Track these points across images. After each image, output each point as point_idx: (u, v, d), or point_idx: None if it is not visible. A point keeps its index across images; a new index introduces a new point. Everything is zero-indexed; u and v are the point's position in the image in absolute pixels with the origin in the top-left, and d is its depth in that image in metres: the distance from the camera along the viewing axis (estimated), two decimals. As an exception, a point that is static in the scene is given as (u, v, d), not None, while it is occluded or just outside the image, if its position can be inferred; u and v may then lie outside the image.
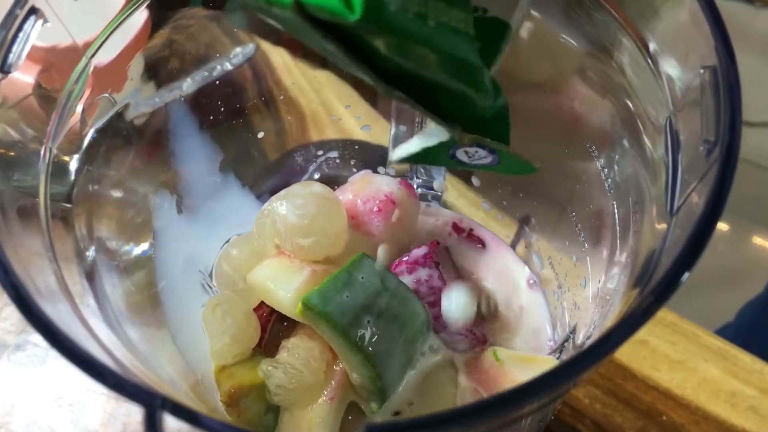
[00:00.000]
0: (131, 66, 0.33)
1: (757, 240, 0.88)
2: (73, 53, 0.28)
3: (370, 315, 0.30)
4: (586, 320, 0.31)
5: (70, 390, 0.40)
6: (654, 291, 0.18)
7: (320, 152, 0.43)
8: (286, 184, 0.35)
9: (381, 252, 0.35)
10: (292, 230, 0.33)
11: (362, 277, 0.31)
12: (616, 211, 0.29)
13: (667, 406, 0.38)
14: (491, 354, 0.33)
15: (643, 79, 0.25)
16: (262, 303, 0.35)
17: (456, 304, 0.34)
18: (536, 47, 0.31)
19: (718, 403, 0.38)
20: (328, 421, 0.32)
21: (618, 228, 0.28)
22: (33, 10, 0.24)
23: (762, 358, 0.40)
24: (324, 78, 0.43)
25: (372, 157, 0.42)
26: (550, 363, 0.33)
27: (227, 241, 0.38)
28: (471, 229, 0.40)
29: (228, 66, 0.40)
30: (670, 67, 0.23)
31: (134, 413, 0.39)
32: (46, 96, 0.27)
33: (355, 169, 0.43)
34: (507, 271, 0.39)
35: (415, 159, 0.25)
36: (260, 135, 0.41)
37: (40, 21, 0.24)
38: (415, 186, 0.41)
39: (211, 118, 0.38)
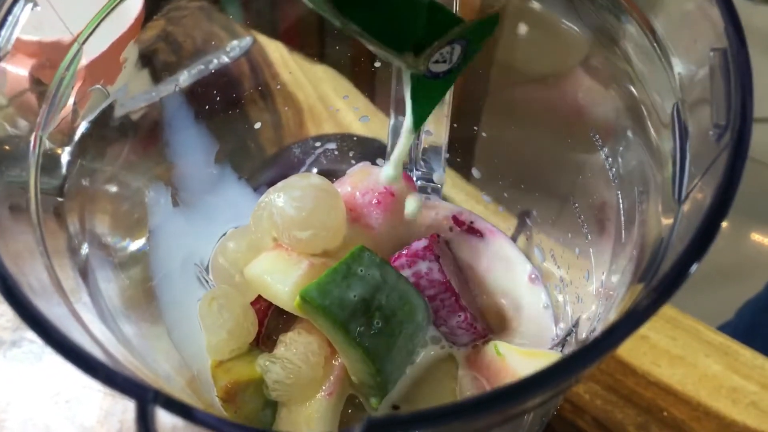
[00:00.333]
0: (126, 58, 0.33)
1: (756, 236, 0.88)
2: (62, 46, 0.28)
3: (369, 309, 0.30)
4: (589, 314, 0.31)
5: (67, 387, 0.39)
6: (662, 282, 0.17)
7: (318, 144, 0.42)
8: (283, 177, 0.35)
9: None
10: (290, 223, 0.32)
11: (361, 271, 0.31)
12: (620, 202, 0.28)
13: (668, 402, 0.38)
14: (492, 348, 0.33)
15: (649, 65, 0.24)
16: (260, 296, 0.34)
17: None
18: (538, 35, 0.30)
19: (719, 399, 0.38)
20: (327, 417, 0.31)
21: (622, 219, 0.28)
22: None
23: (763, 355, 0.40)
24: (321, 71, 0.43)
25: (370, 149, 0.42)
26: (552, 357, 0.32)
27: (224, 235, 0.38)
28: (471, 222, 0.40)
29: (225, 59, 0.39)
30: (677, 52, 0.23)
31: (131, 410, 0.38)
32: (40, 88, 0.27)
33: (353, 162, 0.42)
34: (508, 264, 0.38)
35: (420, 111, 0.25)
36: (257, 126, 0.40)
37: (30, 4, 0.23)
38: (414, 178, 0.41)
39: (207, 108, 0.37)
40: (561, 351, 0.33)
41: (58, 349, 0.16)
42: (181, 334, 0.33)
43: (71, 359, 0.16)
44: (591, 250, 0.32)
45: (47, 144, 0.27)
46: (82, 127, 0.30)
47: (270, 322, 0.35)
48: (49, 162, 0.27)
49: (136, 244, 0.34)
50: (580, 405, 0.38)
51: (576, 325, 0.32)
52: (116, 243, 0.32)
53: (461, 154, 0.41)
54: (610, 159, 0.29)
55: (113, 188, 0.33)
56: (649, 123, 0.25)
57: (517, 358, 0.32)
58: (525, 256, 0.38)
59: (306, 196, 0.33)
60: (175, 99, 0.36)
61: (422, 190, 0.41)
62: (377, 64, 0.40)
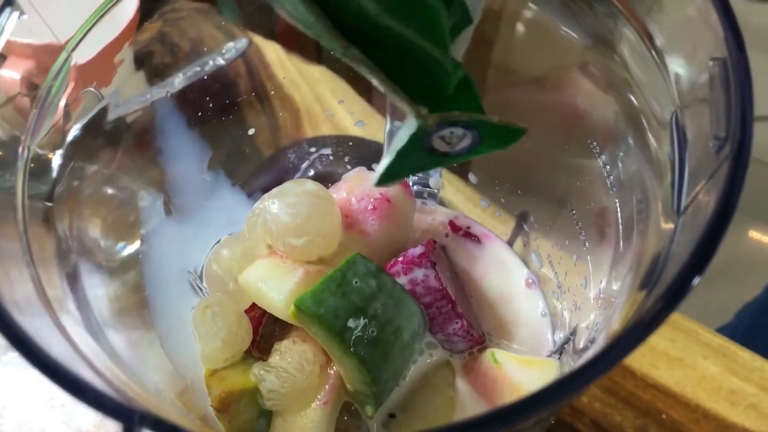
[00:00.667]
0: (120, 60, 0.32)
1: (754, 234, 0.88)
2: (54, 49, 0.27)
3: (364, 317, 0.29)
4: (587, 322, 0.30)
5: (62, 391, 0.39)
6: (664, 295, 0.17)
7: (313, 149, 0.42)
8: (278, 182, 0.34)
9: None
10: (285, 230, 0.32)
11: (356, 279, 0.30)
12: (618, 209, 0.28)
13: (667, 404, 0.38)
14: (489, 356, 0.33)
15: (648, 72, 0.24)
16: (254, 304, 0.34)
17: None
18: (535, 40, 0.30)
19: (718, 401, 0.38)
20: (322, 426, 0.31)
21: (621, 227, 0.28)
22: (8, 2, 0.23)
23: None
24: (318, 73, 0.42)
25: (366, 154, 0.42)
26: (549, 365, 0.32)
27: (218, 242, 0.37)
28: (468, 227, 0.39)
29: (220, 61, 0.39)
30: (676, 60, 0.22)
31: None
32: (33, 92, 0.27)
33: (349, 167, 0.42)
34: (505, 269, 0.38)
35: (394, 171, 0.23)
36: (251, 132, 0.40)
37: (16, 13, 0.23)
38: (410, 183, 0.40)
39: (200, 114, 0.37)
40: (558, 359, 0.33)
41: (43, 370, 0.16)
42: (174, 342, 0.33)
43: (56, 381, 0.16)
44: (589, 257, 0.32)
45: (36, 149, 0.26)
46: (75, 130, 0.29)
47: (264, 330, 0.35)
48: (39, 168, 0.26)
49: (128, 249, 0.34)
50: (579, 407, 0.38)
51: (574, 333, 0.32)
52: (108, 247, 0.32)
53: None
54: (608, 166, 0.29)
55: (105, 192, 0.33)
56: (648, 131, 0.25)
57: (515, 366, 0.32)
58: (522, 261, 0.38)
59: (301, 203, 0.32)
60: (167, 104, 0.35)
61: (419, 195, 0.41)
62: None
